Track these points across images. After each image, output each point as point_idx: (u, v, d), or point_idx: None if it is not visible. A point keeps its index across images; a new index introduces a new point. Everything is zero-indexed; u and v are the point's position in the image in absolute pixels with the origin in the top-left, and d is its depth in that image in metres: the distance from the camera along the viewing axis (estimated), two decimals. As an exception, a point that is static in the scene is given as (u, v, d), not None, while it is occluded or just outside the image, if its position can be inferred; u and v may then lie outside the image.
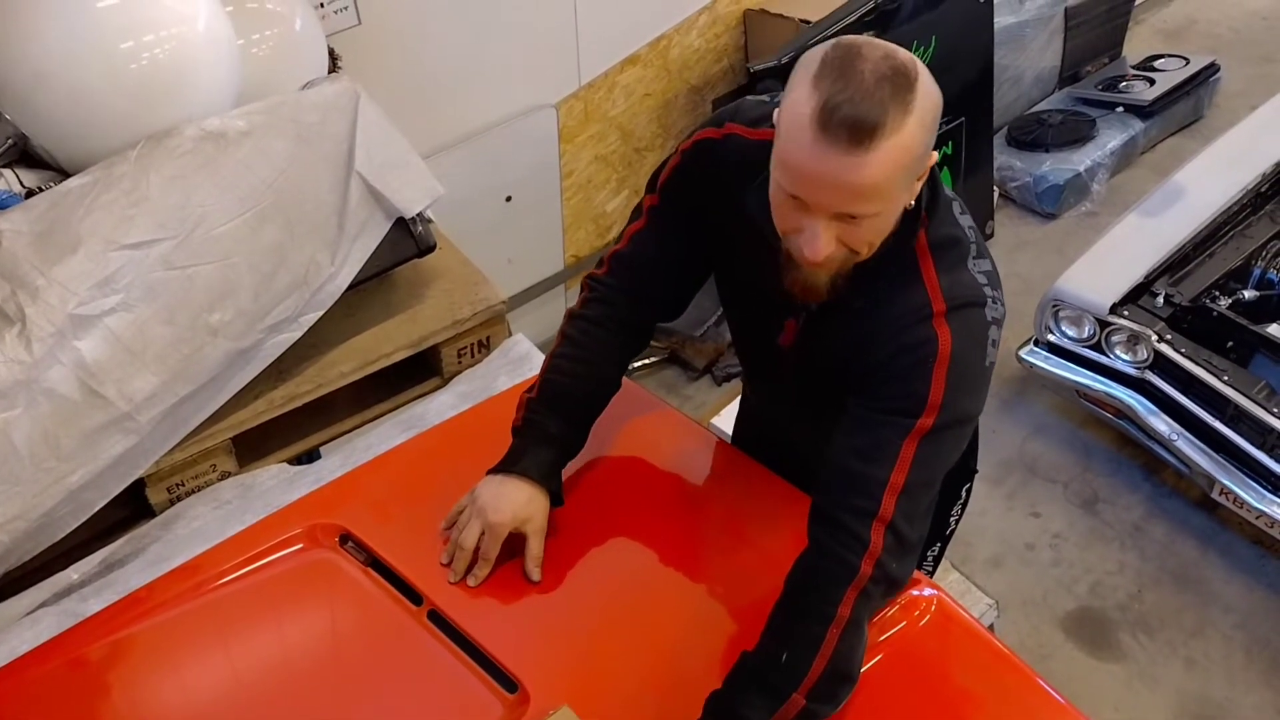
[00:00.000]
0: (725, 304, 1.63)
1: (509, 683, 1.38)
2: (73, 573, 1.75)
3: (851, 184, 1.17)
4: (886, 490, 1.28)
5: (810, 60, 1.18)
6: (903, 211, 1.28)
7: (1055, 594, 2.85)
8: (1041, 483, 3.14)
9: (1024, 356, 3.14)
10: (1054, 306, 3.03)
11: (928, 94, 1.18)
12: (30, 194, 1.80)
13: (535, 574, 1.49)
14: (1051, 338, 3.06)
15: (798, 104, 1.17)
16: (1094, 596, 2.84)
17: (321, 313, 1.95)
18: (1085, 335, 2.99)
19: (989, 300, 1.32)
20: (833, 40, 1.19)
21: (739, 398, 1.97)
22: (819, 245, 1.22)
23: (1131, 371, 2.92)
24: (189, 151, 1.79)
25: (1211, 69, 4.47)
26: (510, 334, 2.17)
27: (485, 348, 2.16)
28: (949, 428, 1.30)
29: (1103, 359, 2.97)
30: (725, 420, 2.52)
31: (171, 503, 1.89)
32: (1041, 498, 3.10)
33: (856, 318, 1.34)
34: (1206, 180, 3.21)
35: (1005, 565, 2.92)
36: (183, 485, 1.90)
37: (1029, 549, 2.96)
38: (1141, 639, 2.74)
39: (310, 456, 2.06)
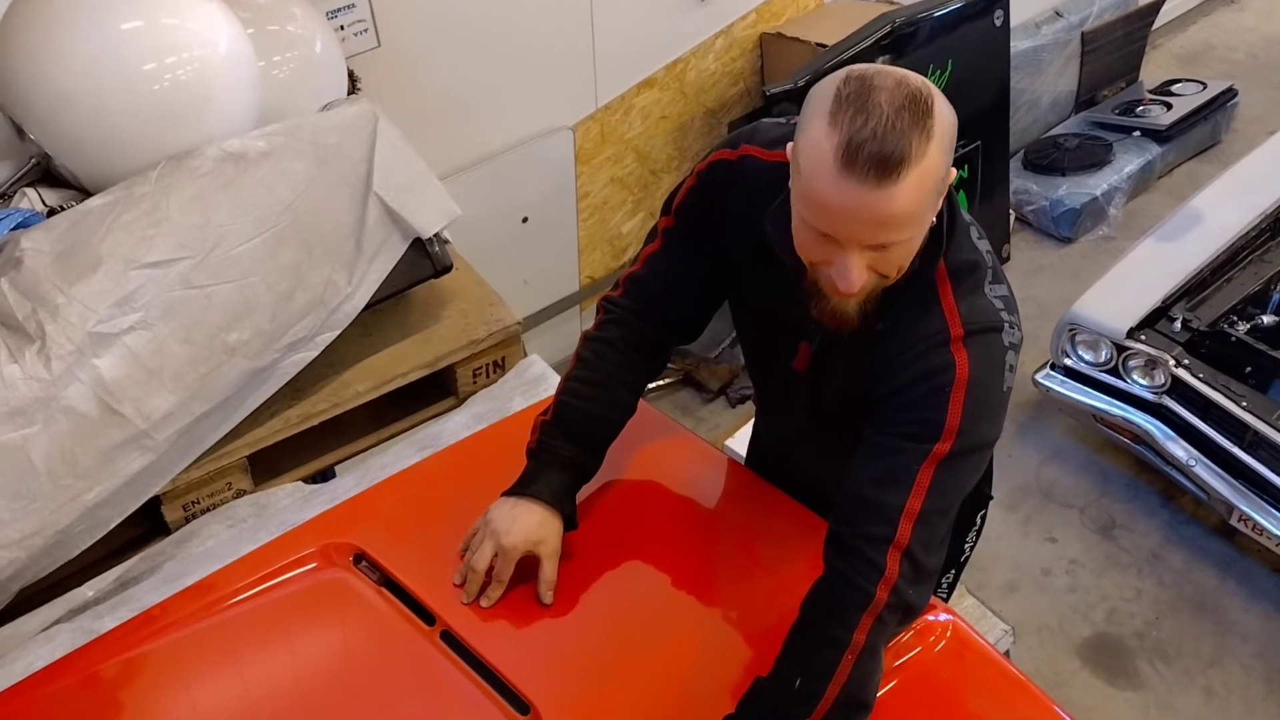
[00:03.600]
0: (738, 326, 1.63)
1: (521, 704, 1.37)
2: (88, 590, 1.76)
3: (882, 217, 1.17)
4: (903, 516, 1.27)
5: (823, 95, 1.18)
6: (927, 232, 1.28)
7: (1071, 620, 2.82)
8: (1057, 508, 3.12)
9: (1040, 381, 3.12)
10: (1070, 330, 3.01)
11: (944, 116, 1.18)
12: (52, 213, 1.82)
13: (548, 597, 1.49)
14: (1068, 362, 3.05)
15: (818, 142, 1.16)
16: (1111, 623, 2.81)
17: (338, 332, 1.96)
18: (1102, 360, 2.98)
19: (1006, 325, 1.32)
20: (842, 73, 1.18)
21: (753, 420, 1.96)
22: (852, 278, 1.22)
23: (1149, 396, 2.90)
24: (209, 172, 1.80)
25: (1229, 94, 4.47)
26: (525, 355, 2.17)
27: (500, 368, 2.17)
28: (966, 454, 1.30)
29: (1120, 384, 2.95)
30: (739, 443, 2.51)
31: (187, 520, 1.89)
32: (1057, 523, 3.07)
33: (873, 342, 1.34)
34: (1224, 205, 3.20)
35: (1021, 591, 2.89)
36: (198, 503, 1.90)
37: (1045, 575, 2.94)
38: (1159, 667, 2.71)
39: (325, 475, 2.06)
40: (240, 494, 1.93)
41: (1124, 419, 2.95)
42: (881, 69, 1.17)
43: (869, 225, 1.18)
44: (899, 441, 1.30)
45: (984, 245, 1.37)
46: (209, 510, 1.90)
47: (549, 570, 1.49)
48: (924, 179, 1.16)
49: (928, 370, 1.29)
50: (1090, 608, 2.85)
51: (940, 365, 1.29)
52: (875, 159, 1.13)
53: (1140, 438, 2.95)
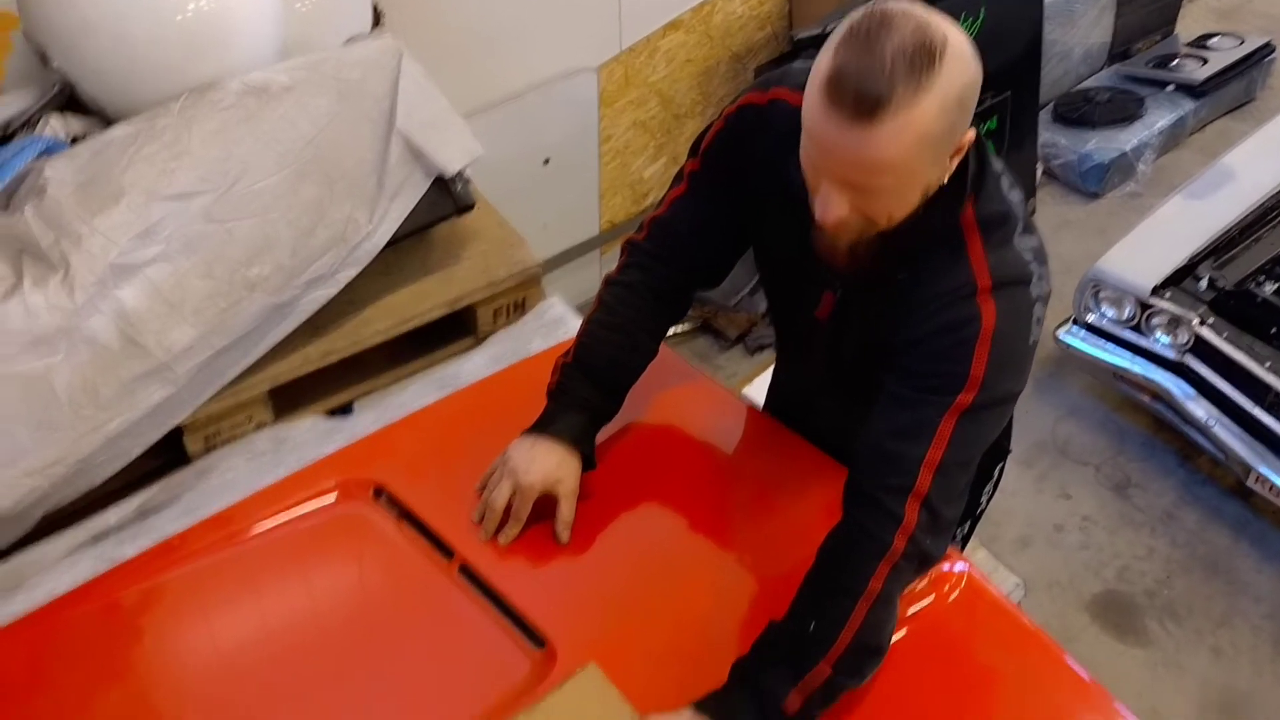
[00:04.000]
0: (762, 273, 1.62)
1: (537, 638, 1.39)
2: (110, 516, 1.78)
3: (856, 156, 1.16)
4: (923, 466, 1.26)
5: (846, 23, 1.17)
6: (940, 187, 1.26)
7: (1083, 577, 2.83)
8: (1073, 465, 3.11)
9: (1061, 337, 3.10)
10: (1094, 287, 2.99)
11: (956, 73, 1.14)
12: (75, 141, 1.81)
13: (564, 536, 1.50)
14: (1091, 318, 3.03)
15: (819, 67, 1.16)
16: (1122, 581, 2.82)
17: (359, 270, 1.96)
18: (1125, 317, 2.95)
19: (1035, 277, 1.30)
20: (872, 4, 1.17)
21: (771, 368, 1.96)
22: (829, 208, 1.22)
23: (1171, 355, 2.88)
24: (231, 105, 1.79)
25: (1266, 49, 4.37)
26: (545, 297, 2.17)
27: (520, 309, 2.16)
28: (989, 406, 1.29)
29: (1142, 341, 2.93)
30: (757, 390, 2.50)
31: (208, 452, 1.91)
32: (1072, 480, 3.07)
33: (898, 292, 1.33)
34: (1256, 163, 3.16)
35: (1033, 546, 2.90)
36: (219, 435, 1.92)
37: (1058, 531, 2.94)
38: (1169, 626, 2.72)
39: (344, 411, 2.07)
40: (260, 426, 1.95)
41: (1144, 377, 2.93)
42: (911, 11, 1.15)
43: (844, 162, 1.18)
44: (921, 394, 1.29)
45: (1016, 195, 1.35)
46: (230, 442, 1.92)
47: (566, 510, 1.50)
48: (909, 129, 1.13)
49: (953, 322, 1.28)
50: (1102, 565, 2.86)
51: (966, 317, 1.27)
52: (855, 94, 1.12)
53: (1160, 396, 2.93)
